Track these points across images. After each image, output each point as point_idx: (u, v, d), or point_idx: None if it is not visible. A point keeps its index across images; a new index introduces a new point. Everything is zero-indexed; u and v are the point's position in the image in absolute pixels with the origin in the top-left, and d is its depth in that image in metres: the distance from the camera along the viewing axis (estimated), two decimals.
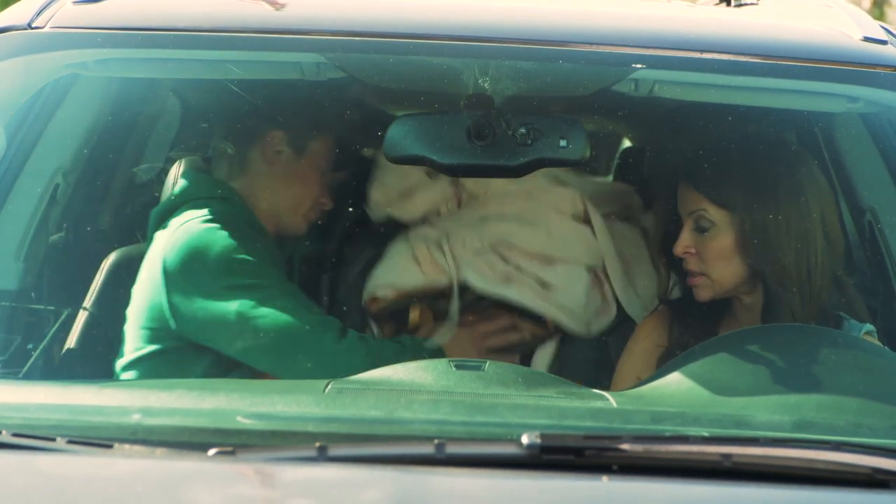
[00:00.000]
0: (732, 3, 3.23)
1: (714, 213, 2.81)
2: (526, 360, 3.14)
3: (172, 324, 2.78)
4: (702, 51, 2.73)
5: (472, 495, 1.93)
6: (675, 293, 3.04)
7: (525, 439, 1.95)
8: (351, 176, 3.21)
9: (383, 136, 2.83)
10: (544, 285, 3.12)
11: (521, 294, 3.09)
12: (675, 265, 2.97)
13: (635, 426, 2.19)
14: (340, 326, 2.84)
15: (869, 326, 2.89)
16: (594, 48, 2.74)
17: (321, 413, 2.19)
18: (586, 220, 3.23)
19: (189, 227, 2.83)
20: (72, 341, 2.92)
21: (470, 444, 2.02)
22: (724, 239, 2.81)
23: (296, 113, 3.00)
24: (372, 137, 3.10)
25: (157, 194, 3.18)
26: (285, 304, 2.79)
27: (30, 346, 2.88)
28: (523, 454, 1.95)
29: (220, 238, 2.84)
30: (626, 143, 5.53)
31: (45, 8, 2.75)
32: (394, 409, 2.18)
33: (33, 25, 2.71)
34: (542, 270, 3.12)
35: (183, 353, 2.80)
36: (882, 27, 2.93)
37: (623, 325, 3.12)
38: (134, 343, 2.82)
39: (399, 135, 2.81)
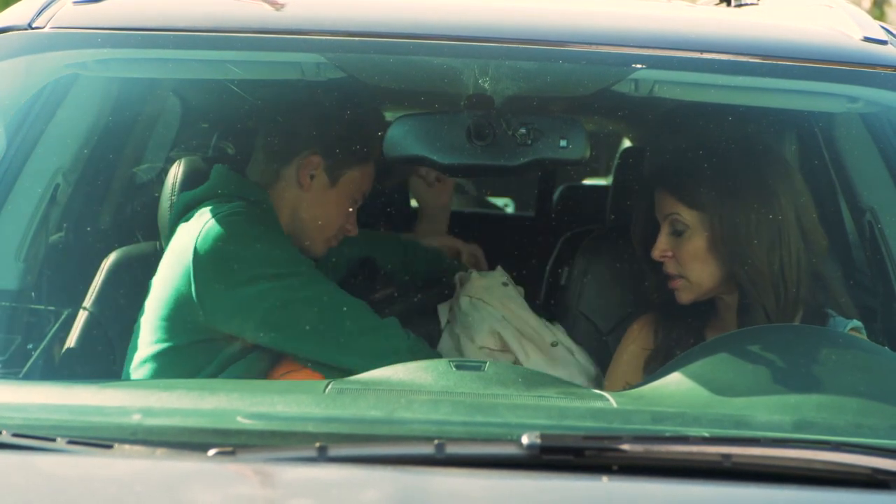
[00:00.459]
0: (732, 3, 3.23)
1: (687, 216, 2.85)
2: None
3: (200, 314, 2.76)
4: (702, 51, 2.73)
5: (471, 495, 1.94)
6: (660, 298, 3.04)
7: (525, 439, 1.95)
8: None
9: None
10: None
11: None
12: (657, 269, 2.98)
13: (635, 426, 2.19)
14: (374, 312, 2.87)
15: (856, 322, 2.90)
16: (594, 48, 2.74)
17: (321, 413, 2.19)
18: None
19: (222, 218, 2.82)
20: (72, 341, 2.92)
21: (470, 445, 2.02)
22: (698, 241, 2.85)
23: (337, 141, 2.98)
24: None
25: (157, 194, 3.18)
26: (323, 290, 2.81)
27: (30, 346, 2.88)
28: (523, 454, 1.95)
29: (254, 229, 2.84)
30: (626, 143, 5.54)
31: (45, 8, 2.75)
32: (394, 410, 2.18)
33: (34, 25, 2.72)
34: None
35: (209, 345, 2.79)
36: (882, 27, 2.93)
37: (622, 325, 3.12)
38: (153, 336, 2.80)
39: (399, 135, 2.82)
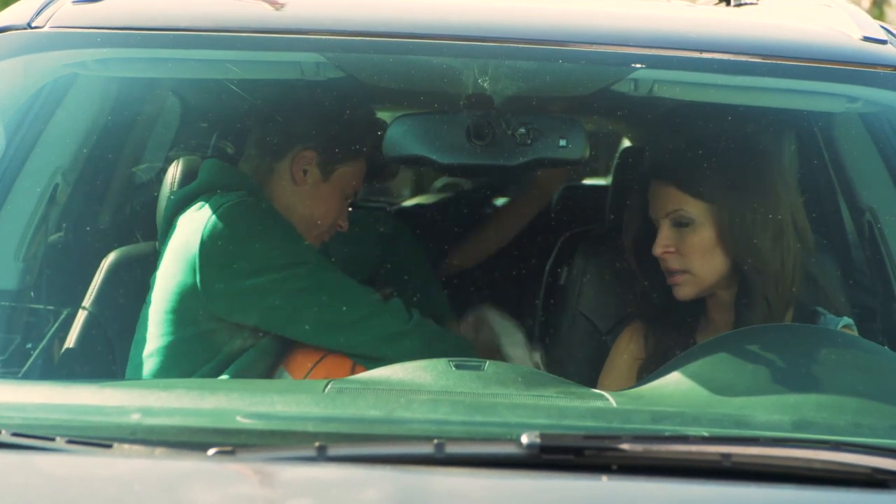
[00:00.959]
0: (732, 2, 3.23)
1: (693, 208, 2.84)
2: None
3: (207, 304, 2.77)
4: (701, 50, 2.73)
5: (471, 495, 1.94)
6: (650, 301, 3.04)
7: (524, 439, 1.95)
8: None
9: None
10: None
11: None
12: (648, 273, 2.98)
13: (635, 426, 2.19)
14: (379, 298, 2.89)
15: (847, 320, 2.91)
16: (594, 48, 2.74)
17: (321, 413, 2.19)
18: None
19: (226, 209, 2.83)
20: (71, 341, 2.92)
21: (469, 444, 2.02)
22: (704, 232, 2.84)
23: (330, 137, 2.99)
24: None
25: (156, 194, 3.18)
26: (328, 277, 2.83)
27: (29, 345, 2.88)
28: (523, 454, 1.95)
29: (259, 220, 2.86)
30: (626, 143, 5.54)
31: (44, 8, 2.75)
32: (393, 409, 2.18)
33: (33, 25, 2.71)
34: None
35: (215, 335, 2.79)
36: (882, 27, 2.93)
37: (621, 325, 3.12)
38: (159, 329, 2.80)
39: (398, 134, 2.82)
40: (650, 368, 2.85)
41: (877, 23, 2.96)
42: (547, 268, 4.16)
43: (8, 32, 2.73)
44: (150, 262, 2.95)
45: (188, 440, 2.04)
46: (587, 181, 6.74)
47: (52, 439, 2.00)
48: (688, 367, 2.44)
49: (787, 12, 3.07)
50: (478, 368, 2.38)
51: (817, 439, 2.10)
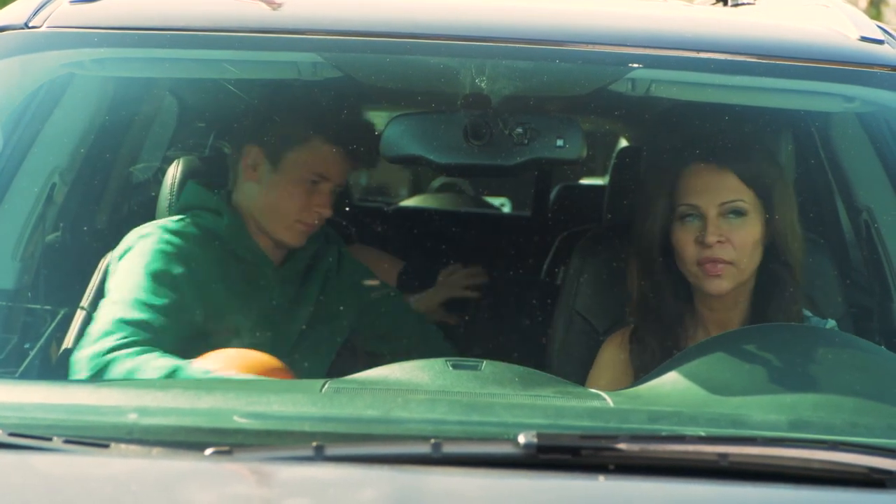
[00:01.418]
0: (729, 2, 3.23)
1: (748, 199, 2.82)
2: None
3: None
4: (698, 50, 2.73)
5: (468, 495, 1.94)
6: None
7: (522, 439, 1.95)
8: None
9: (369, 140, 2.85)
10: None
11: None
12: (669, 269, 2.97)
13: (632, 426, 2.19)
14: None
15: (831, 322, 2.91)
16: (591, 48, 2.74)
17: (318, 412, 2.19)
18: None
19: (144, 241, 2.88)
20: (68, 341, 2.91)
21: (466, 444, 2.02)
22: (754, 225, 2.82)
23: (270, 126, 2.98)
24: (359, 142, 3.06)
25: (153, 194, 3.18)
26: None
27: (27, 345, 2.88)
28: (520, 454, 1.95)
29: (154, 257, 2.85)
30: (623, 143, 5.55)
31: (41, 7, 2.75)
32: (390, 409, 2.18)
33: (30, 25, 2.71)
34: None
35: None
36: (879, 27, 2.93)
37: (618, 325, 3.12)
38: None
39: (396, 134, 2.82)
40: (637, 373, 2.85)
41: (874, 23, 2.96)
42: (544, 267, 4.17)
43: (5, 32, 2.73)
44: None
45: (185, 440, 2.04)
46: (584, 181, 6.75)
47: (49, 439, 2.00)
48: (685, 367, 2.44)
49: (784, 12, 3.07)
50: (475, 368, 2.38)
51: (814, 439, 2.10)
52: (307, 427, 2.10)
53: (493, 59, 2.74)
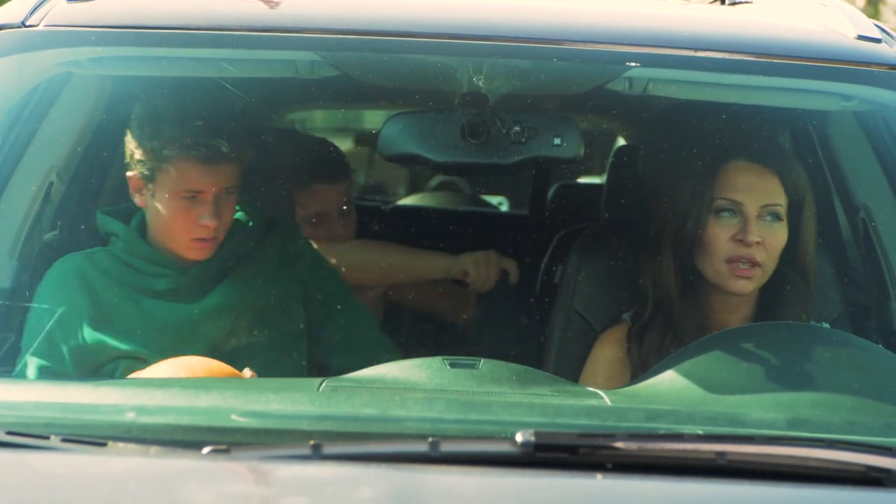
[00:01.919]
0: (726, 1, 3.23)
1: (784, 205, 2.84)
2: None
3: None
4: (696, 49, 2.73)
5: (466, 493, 1.94)
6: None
7: (519, 437, 1.95)
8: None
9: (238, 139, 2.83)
10: None
11: None
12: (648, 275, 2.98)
13: (629, 424, 2.19)
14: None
15: (825, 325, 2.92)
16: (588, 46, 2.74)
17: (315, 411, 2.20)
18: None
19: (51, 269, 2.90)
20: None
21: (464, 443, 2.02)
22: (786, 231, 2.84)
23: (133, 151, 2.89)
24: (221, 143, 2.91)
25: None
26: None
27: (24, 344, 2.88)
28: (517, 452, 1.95)
29: (43, 292, 2.87)
30: (621, 142, 5.55)
31: (38, 6, 2.75)
32: (388, 408, 2.18)
33: (27, 24, 2.71)
34: None
35: None
36: (876, 25, 2.93)
37: (615, 324, 3.12)
38: None
39: (393, 133, 2.82)
40: (634, 371, 2.85)
41: (871, 21, 2.97)
42: (542, 266, 4.16)
43: (2, 31, 2.73)
44: None
45: (183, 439, 2.04)
46: (582, 180, 6.75)
47: (47, 438, 2.00)
48: (682, 366, 2.44)
49: (781, 11, 3.07)
50: (472, 367, 2.38)
51: (812, 437, 2.10)
52: (305, 426, 2.10)
53: (490, 58, 2.74)
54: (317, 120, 6.83)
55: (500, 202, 7.15)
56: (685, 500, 1.97)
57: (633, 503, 1.96)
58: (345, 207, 3.83)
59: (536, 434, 1.95)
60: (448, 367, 2.37)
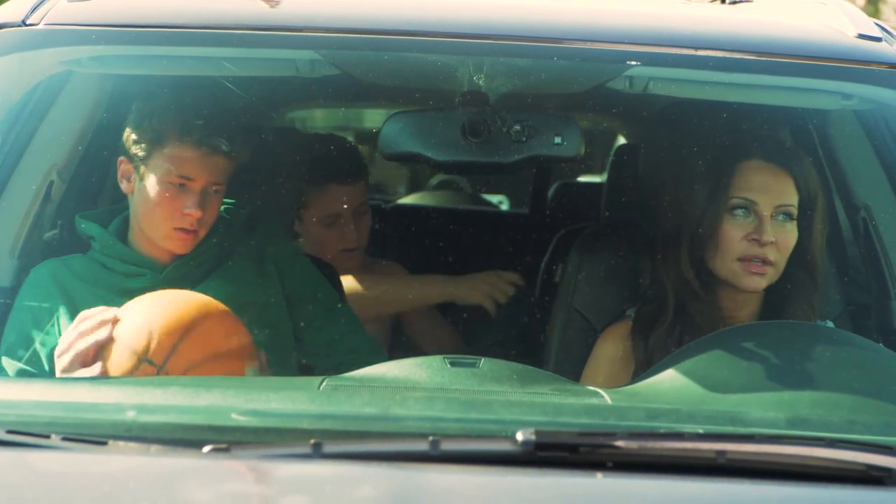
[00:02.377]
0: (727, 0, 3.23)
1: (796, 205, 2.85)
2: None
3: None
4: (696, 48, 2.73)
5: (466, 492, 1.94)
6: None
7: (520, 436, 1.95)
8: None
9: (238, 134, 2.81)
10: None
11: None
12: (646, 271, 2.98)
13: (630, 423, 2.19)
14: None
15: (829, 324, 2.92)
16: (589, 45, 2.74)
17: (316, 410, 2.20)
18: None
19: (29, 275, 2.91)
20: None
21: (465, 441, 2.02)
22: (796, 231, 2.85)
23: (128, 138, 2.90)
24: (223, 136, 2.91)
25: None
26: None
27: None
28: (518, 451, 1.95)
29: (21, 299, 2.87)
30: (621, 140, 5.54)
31: (39, 5, 2.75)
32: (388, 406, 2.18)
33: (28, 22, 2.71)
34: None
35: None
36: (876, 24, 2.93)
37: (616, 323, 3.12)
38: None
39: (393, 132, 2.82)
40: (638, 367, 2.85)
41: (871, 20, 2.97)
42: (542, 265, 4.17)
43: (3, 30, 2.73)
44: None
45: (183, 437, 2.04)
46: (582, 178, 6.76)
47: (48, 437, 2.00)
48: (683, 364, 2.44)
49: (781, 9, 3.07)
50: (473, 366, 2.38)
51: (812, 436, 2.10)
52: (305, 424, 2.10)
53: (491, 57, 2.74)
54: (317, 119, 6.83)
55: (500, 201, 7.15)
56: (685, 498, 1.97)
57: (634, 502, 1.96)
58: (364, 208, 3.78)
59: (537, 433, 1.95)
60: (448, 365, 2.37)
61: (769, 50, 2.76)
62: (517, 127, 2.78)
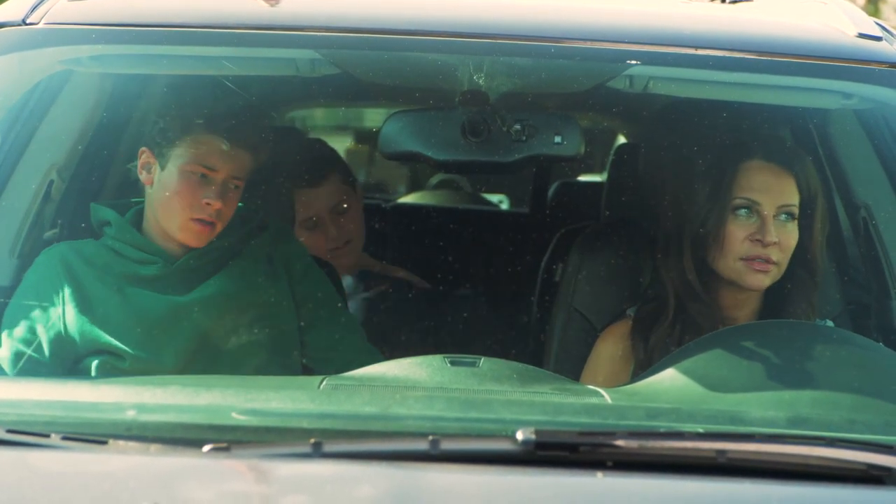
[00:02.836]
0: None
1: (798, 205, 2.85)
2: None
3: None
4: (696, 47, 2.73)
5: (466, 491, 1.94)
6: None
7: (520, 435, 1.95)
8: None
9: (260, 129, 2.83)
10: None
11: None
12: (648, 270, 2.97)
13: (630, 422, 2.19)
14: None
15: (829, 323, 2.92)
16: (589, 44, 2.74)
17: (316, 409, 2.20)
18: None
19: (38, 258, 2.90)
20: None
21: (465, 441, 2.02)
22: (797, 230, 2.85)
23: (156, 124, 2.91)
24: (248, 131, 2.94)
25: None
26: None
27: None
28: (518, 450, 1.95)
29: (27, 280, 2.87)
30: (621, 140, 5.54)
31: (39, 4, 2.75)
32: (388, 406, 2.18)
33: (28, 22, 2.71)
34: None
35: None
36: (876, 23, 2.93)
37: (616, 322, 3.12)
38: None
39: (394, 131, 2.82)
40: (637, 367, 2.85)
41: (871, 19, 2.97)
42: (542, 264, 4.16)
43: (3, 29, 2.73)
44: None
45: (183, 437, 2.04)
46: (582, 178, 6.75)
47: (48, 436, 2.00)
48: (683, 364, 2.44)
49: (782, 9, 3.07)
50: (473, 365, 2.38)
51: (812, 436, 2.10)
52: (305, 424, 2.10)
53: (491, 56, 2.74)
54: (317, 118, 6.83)
55: (500, 200, 7.14)
56: (685, 498, 1.97)
57: (634, 501, 1.96)
58: (344, 206, 3.76)
59: (537, 432, 1.96)
60: (448, 365, 2.37)
61: (769, 49, 2.76)
62: (517, 126, 2.78)
